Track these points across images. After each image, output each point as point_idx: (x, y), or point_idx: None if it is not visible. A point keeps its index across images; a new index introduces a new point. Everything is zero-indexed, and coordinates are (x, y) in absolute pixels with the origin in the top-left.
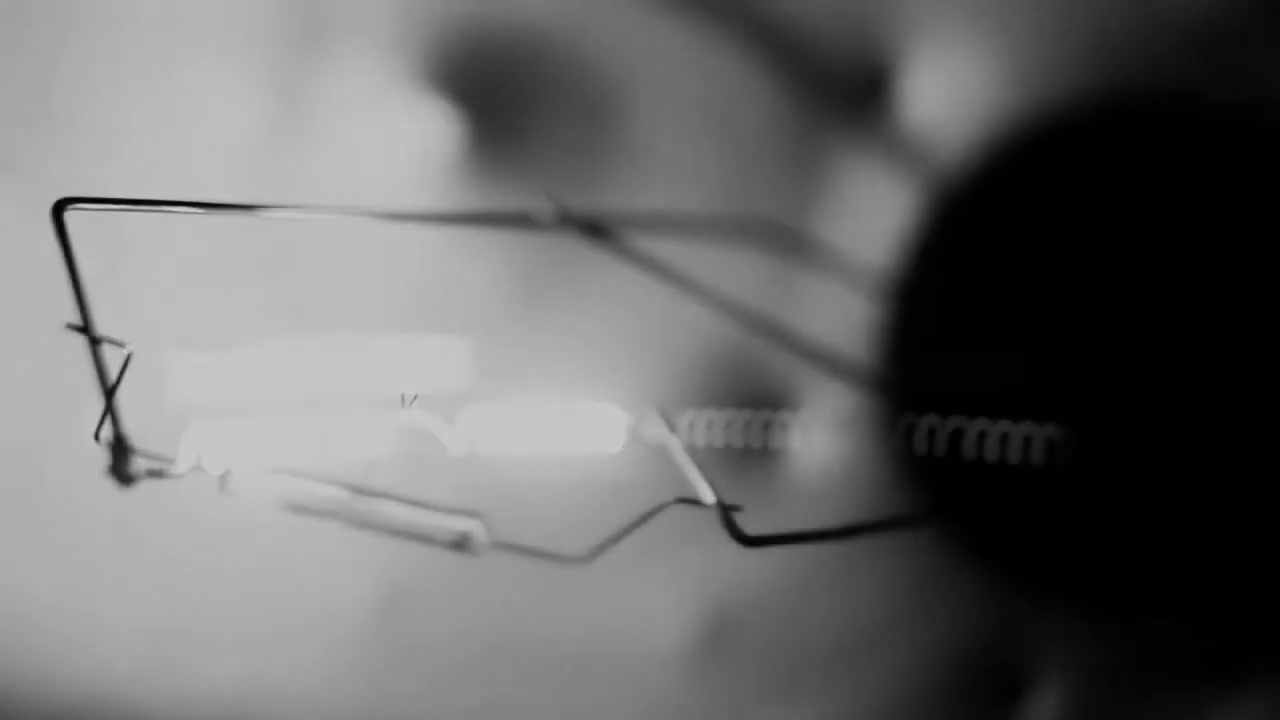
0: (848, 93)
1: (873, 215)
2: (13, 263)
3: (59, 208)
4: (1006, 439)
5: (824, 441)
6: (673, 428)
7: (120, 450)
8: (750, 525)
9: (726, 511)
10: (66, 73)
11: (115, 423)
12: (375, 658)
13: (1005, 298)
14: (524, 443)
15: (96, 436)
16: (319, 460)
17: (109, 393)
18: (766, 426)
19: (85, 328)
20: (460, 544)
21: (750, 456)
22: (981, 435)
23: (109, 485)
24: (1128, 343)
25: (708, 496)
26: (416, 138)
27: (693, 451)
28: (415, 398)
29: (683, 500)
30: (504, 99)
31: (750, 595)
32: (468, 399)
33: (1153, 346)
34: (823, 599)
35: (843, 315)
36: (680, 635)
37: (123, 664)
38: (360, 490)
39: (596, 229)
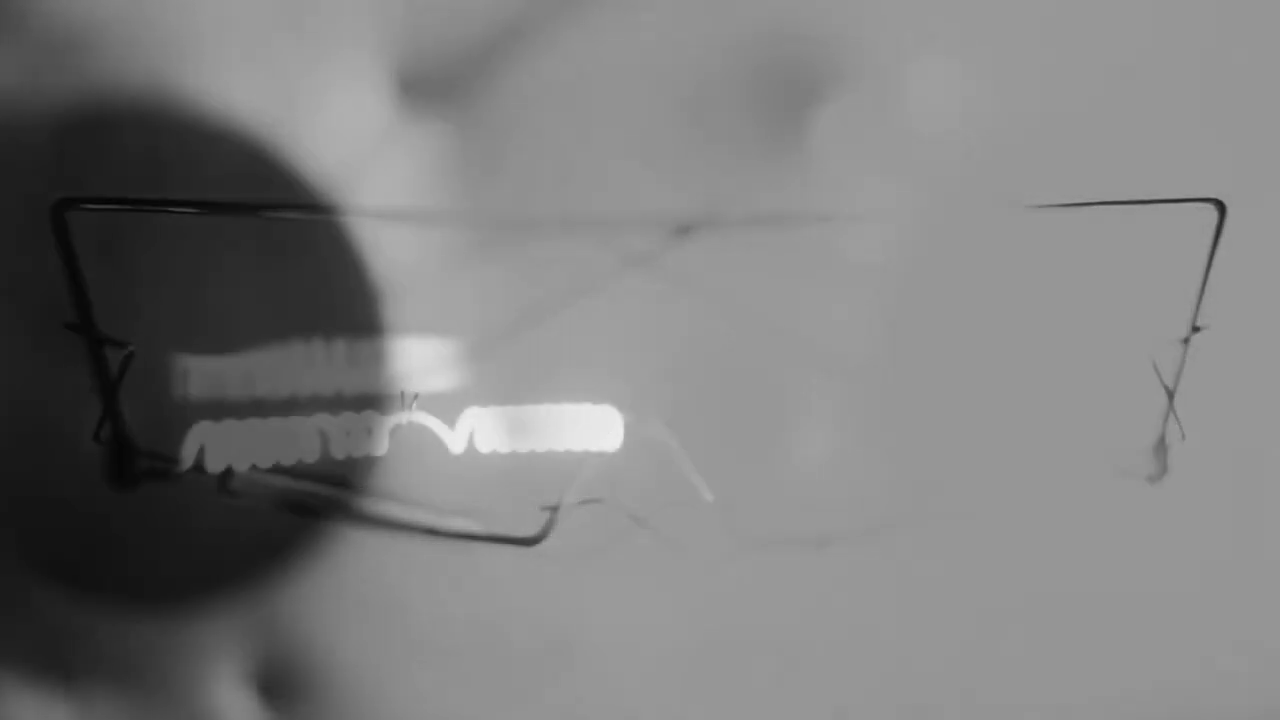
0: (841, 92)
1: (873, 213)
2: (13, 262)
3: (59, 208)
4: None
5: (821, 440)
6: (671, 428)
7: (121, 450)
8: (750, 525)
9: (723, 511)
10: (70, 73)
11: (115, 423)
12: (374, 656)
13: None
14: (524, 443)
15: (97, 436)
16: (319, 460)
17: (109, 393)
18: (761, 425)
19: (85, 328)
20: (458, 543)
21: (747, 456)
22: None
23: (110, 485)
24: None
25: (706, 496)
26: (415, 139)
27: (691, 451)
28: (415, 398)
29: (682, 500)
30: (500, 100)
31: (750, 595)
32: (467, 399)
33: None
34: (822, 598)
35: (841, 313)
36: (679, 634)
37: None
38: (360, 490)
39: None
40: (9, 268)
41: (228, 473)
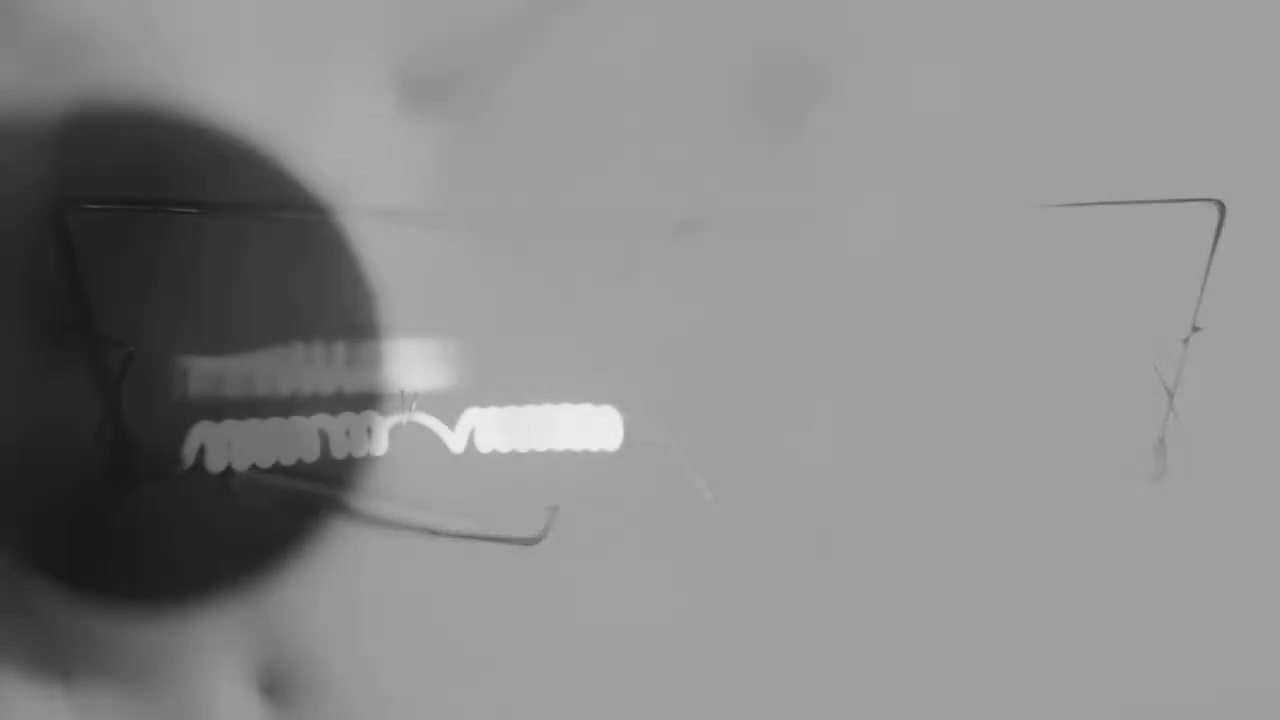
0: (841, 92)
1: (873, 213)
2: (13, 262)
3: (59, 208)
4: None
5: (821, 439)
6: (671, 428)
7: (121, 450)
8: (750, 525)
9: (723, 511)
10: (70, 73)
11: (116, 423)
12: (374, 655)
13: None
14: (524, 443)
15: (97, 436)
16: (319, 460)
17: (109, 393)
18: (761, 425)
19: (85, 328)
20: (459, 542)
21: (747, 456)
22: None
23: (110, 485)
24: None
25: (706, 495)
26: (415, 139)
27: (691, 451)
28: (415, 398)
29: (682, 500)
30: (501, 100)
31: (749, 594)
32: (467, 399)
33: None
34: (822, 597)
35: (841, 313)
36: (679, 633)
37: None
38: (360, 490)
39: None
40: (9, 268)
41: (228, 472)
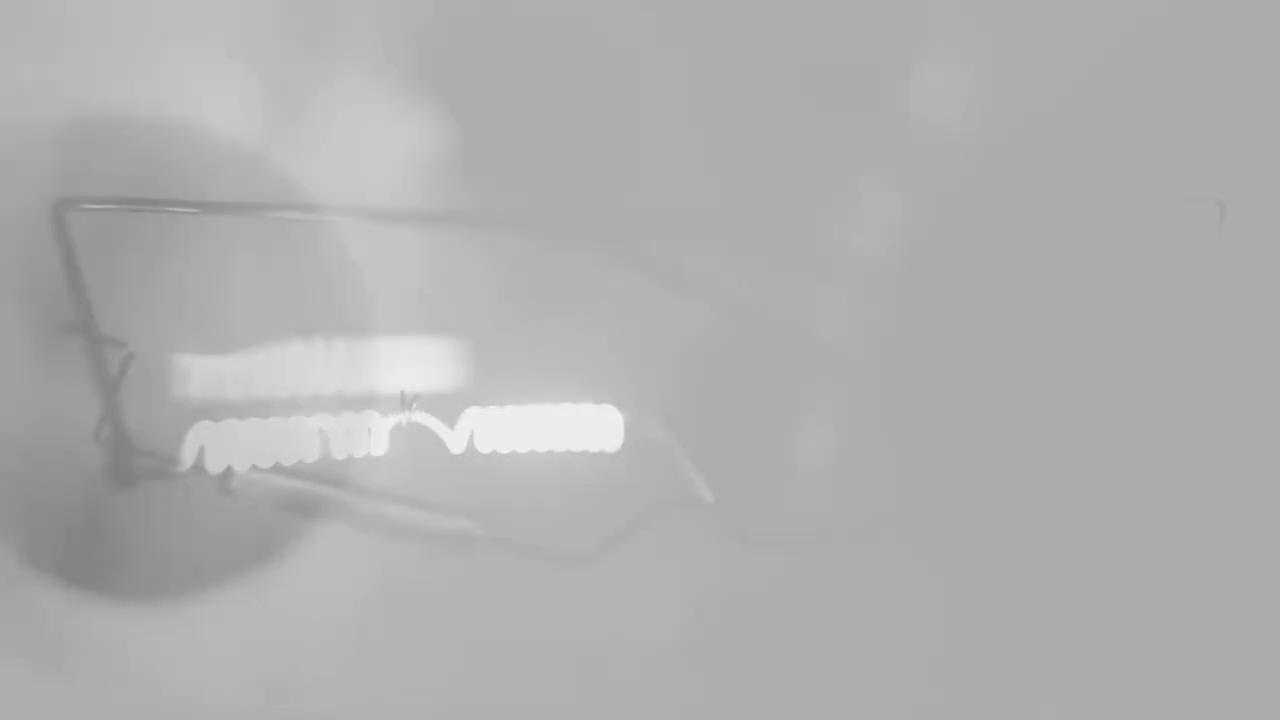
0: (843, 92)
1: (872, 214)
2: (13, 262)
3: (60, 208)
4: None
5: (821, 440)
6: (671, 428)
7: (121, 450)
8: (750, 525)
9: (723, 511)
10: (70, 73)
11: (115, 423)
12: (375, 656)
13: None
14: (524, 443)
15: (97, 436)
16: (319, 460)
17: (109, 393)
18: (761, 425)
19: (85, 328)
20: (458, 543)
21: (747, 456)
22: None
23: (110, 485)
24: None
25: (706, 496)
26: (414, 139)
27: (691, 451)
28: (415, 398)
29: (682, 500)
30: (500, 100)
31: (750, 595)
32: (467, 399)
33: None
34: (822, 598)
35: (839, 313)
36: (680, 634)
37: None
38: (360, 490)
39: None
40: (9, 268)
41: (228, 473)
